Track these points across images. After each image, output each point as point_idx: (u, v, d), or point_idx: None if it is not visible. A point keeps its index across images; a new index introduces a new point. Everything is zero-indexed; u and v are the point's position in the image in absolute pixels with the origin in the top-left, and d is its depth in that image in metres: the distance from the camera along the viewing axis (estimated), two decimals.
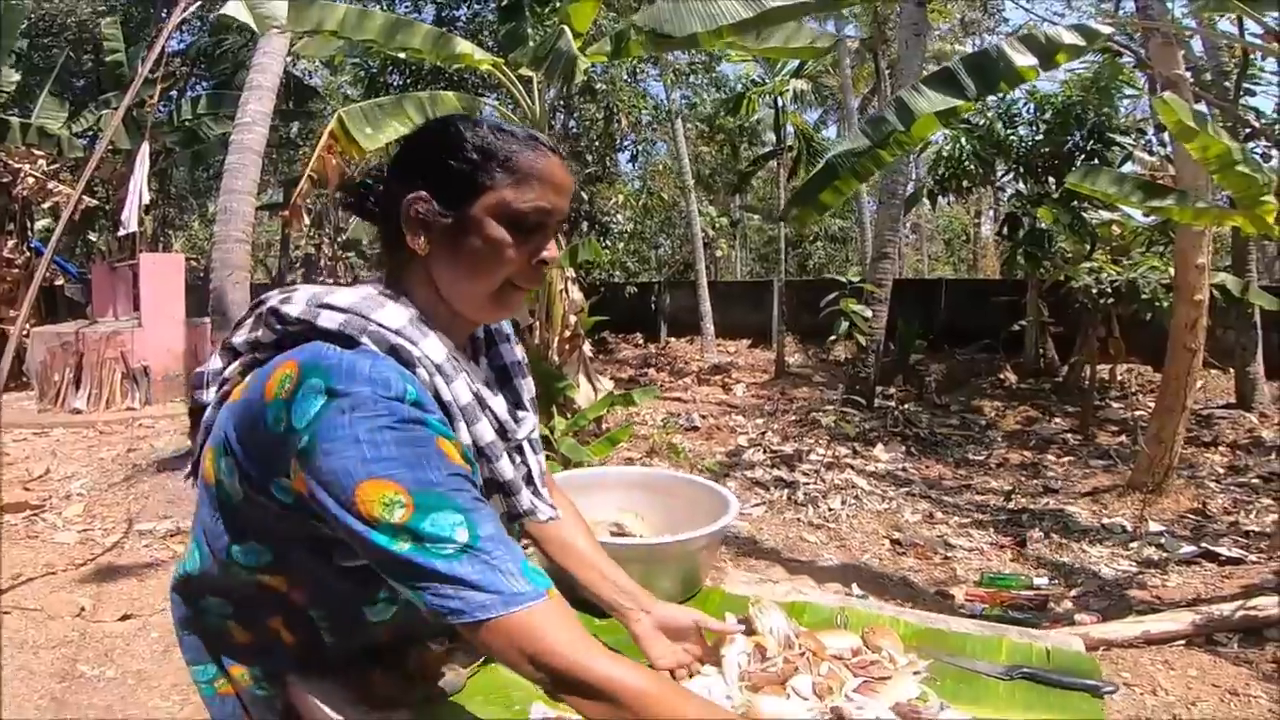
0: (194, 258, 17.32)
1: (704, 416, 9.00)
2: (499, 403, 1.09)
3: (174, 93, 12.95)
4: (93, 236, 15.27)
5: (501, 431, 1.07)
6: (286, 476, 0.93)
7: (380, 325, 0.96)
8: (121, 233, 10.11)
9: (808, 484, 6.47)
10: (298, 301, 1.00)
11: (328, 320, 0.97)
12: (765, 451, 7.48)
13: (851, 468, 7.01)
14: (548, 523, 1.19)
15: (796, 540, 5.33)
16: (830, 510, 5.90)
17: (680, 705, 0.89)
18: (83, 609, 3.98)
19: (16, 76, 11.83)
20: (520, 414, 1.16)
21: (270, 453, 0.94)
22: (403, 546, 0.86)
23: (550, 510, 1.18)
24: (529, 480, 1.17)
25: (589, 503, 1.61)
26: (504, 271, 1.00)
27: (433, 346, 0.99)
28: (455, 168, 0.98)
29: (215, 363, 1.08)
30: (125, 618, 3.89)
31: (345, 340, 0.95)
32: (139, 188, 9.77)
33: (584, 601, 1.33)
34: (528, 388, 1.22)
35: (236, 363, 1.05)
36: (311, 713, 1.15)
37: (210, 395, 1.07)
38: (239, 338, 1.06)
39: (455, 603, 0.86)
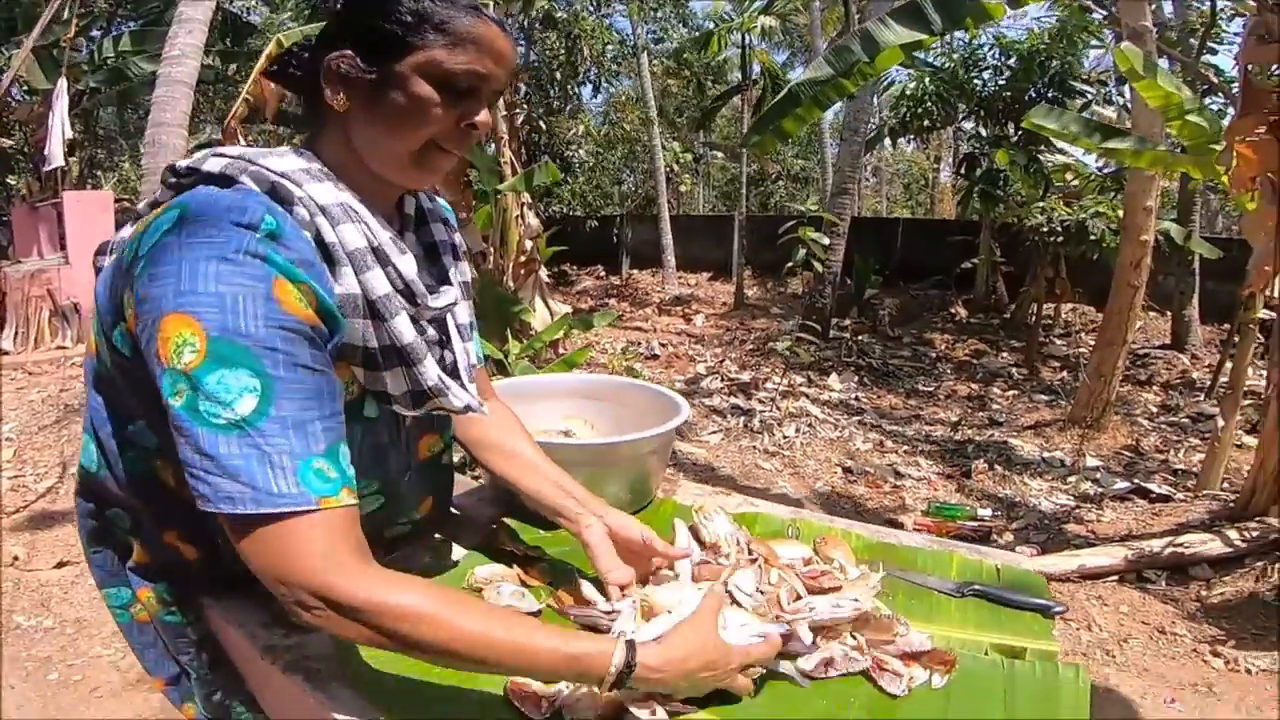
0: (126, 198, 16.68)
1: (664, 345, 8.96)
2: (408, 263, 0.97)
3: (97, 32, 12.19)
4: (11, 180, 14.56)
5: (408, 294, 0.96)
6: (124, 319, 0.84)
7: (265, 167, 0.89)
8: (46, 168, 9.56)
9: (763, 411, 6.47)
10: (195, 157, 0.93)
11: (213, 164, 0.89)
12: (723, 379, 7.47)
13: (806, 396, 7.02)
14: (466, 414, 1.06)
15: (752, 467, 5.33)
16: (785, 438, 5.90)
17: (459, 623, 0.80)
18: (16, 558, 3.76)
19: None
20: (444, 287, 1.06)
21: (117, 290, 0.86)
22: (177, 400, 0.76)
23: (470, 399, 1.05)
24: (454, 372, 1.07)
25: (534, 410, 1.52)
26: (427, 130, 0.92)
27: (321, 190, 0.90)
28: (385, 28, 0.90)
29: (125, 231, 0.96)
30: (61, 565, 3.68)
31: (227, 181, 0.88)
32: (60, 122, 9.23)
33: (529, 513, 1.26)
34: (460, 270, 1.12)
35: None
36: (230, 640, 1.07)
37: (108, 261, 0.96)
38: (141, 204, 0.96)
39: (203, 486, 0.76)
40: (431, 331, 1.03)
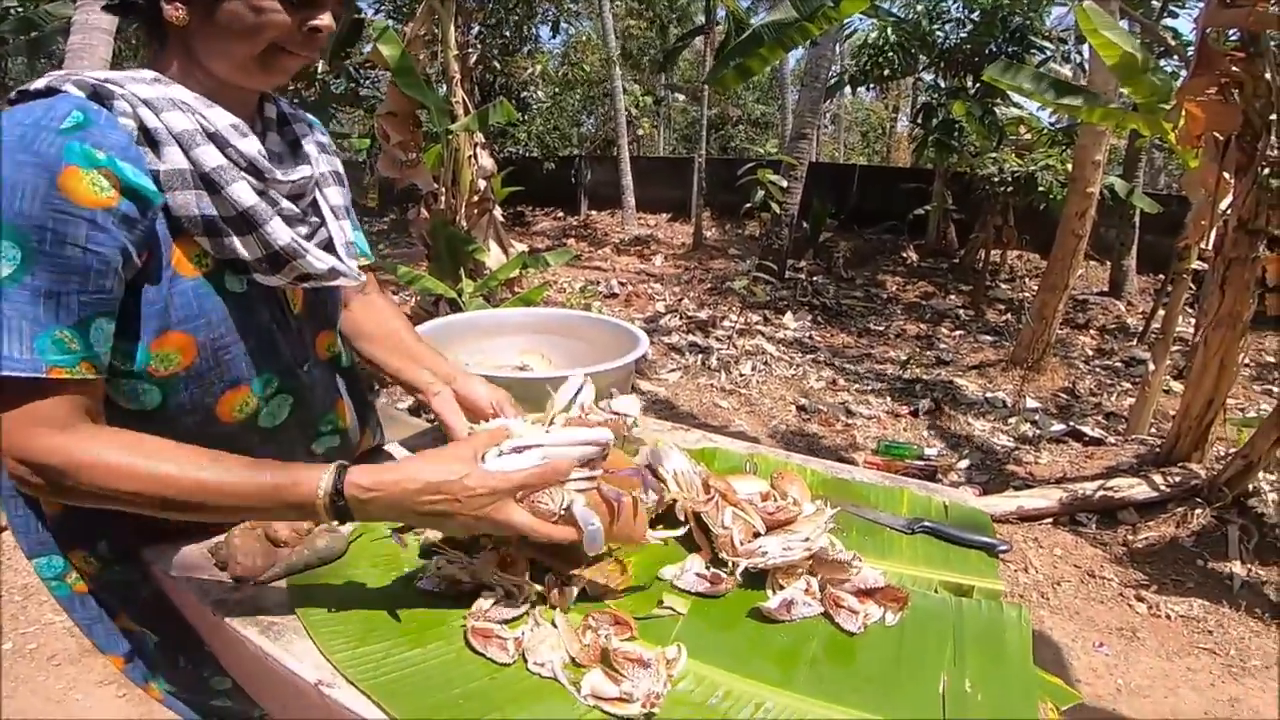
0: None
1: (623, 284, 8.90)
2: (249, 144, 0.96)
3: None
4: None
5: (253, 170, 0.95)
6: None
7: (89, 76, 0.90)
8: None
9: (721, 350, 6.48)
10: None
11: (39, 83, 0.90)
12: (682, 318, 7.45)
13: (762, 334, 7.04)
14: (334, 279, 1.04)
15: (710, 406, 5.34)
16: (742, 376, 5.92)
17: (208, 482, 0.83)
18: None
19: None
20: (297, 166, 1.05)
21: None
22: None
23: (336, 263, 1.04)
24: (329, 248, 1.06)
25: (490, 346, 1.47)
26: (267, 35, 0.91)
27: (145, 89, 0.90)
28: None
29: None
30: (1, 529, 3.46)
31: (51, 92, 0.88)
32: None
33: None
34: (327, 159, 1.12)
35: None
36: (180, 598, 1.01)
37: None
38: None
39: None
40: (286, 204, 1.00)
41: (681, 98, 24.87)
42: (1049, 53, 10.05)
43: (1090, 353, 7.12)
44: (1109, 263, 9.46)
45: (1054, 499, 3.85)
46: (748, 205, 8.64)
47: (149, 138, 0.89)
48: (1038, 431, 5.03)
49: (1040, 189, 7.95)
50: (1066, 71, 10.50)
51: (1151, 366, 4.68)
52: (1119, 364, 6.71)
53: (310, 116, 1.16)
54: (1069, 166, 6.98)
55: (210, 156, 0.92)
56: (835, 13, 4.27)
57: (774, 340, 6.93)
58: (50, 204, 0.79)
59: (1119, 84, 4.70)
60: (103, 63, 6.15)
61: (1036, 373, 6.06)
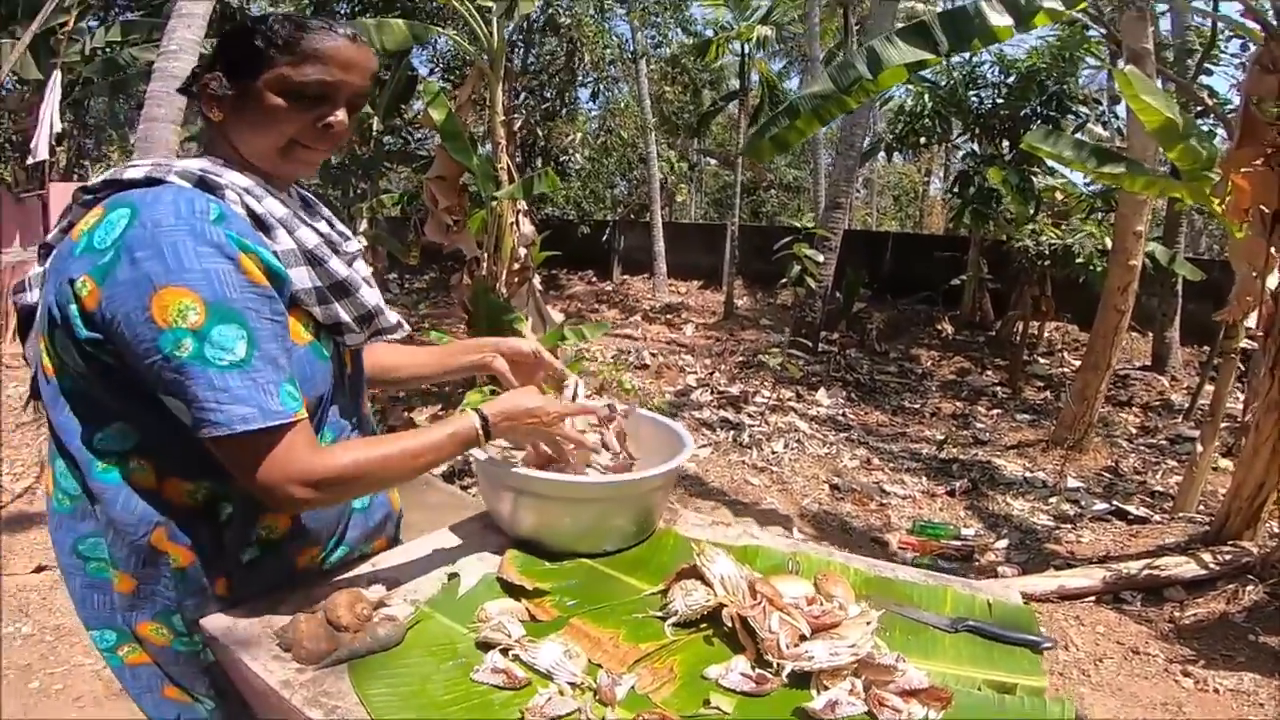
0: None
1: (654, 354, 8.98)
2: (320, 224, 1.19)
3: (93, 22, 12.06)
4: None
5: (330, 243, 1.16)
6: (76, 303, 0.96)
7: (185, 166, 1.05)
8: (30, 161, 9.50)
9: (753, 425, 6.51)
10: (108, 174, 1.07)
11: (133, 172, 1.05)
12: (712, 392, 7.50)
13: (795, 411, 7.06)
14: (396, 331, 1.28)
15: (741, 483, 5.36)
16: (774, 453, 5.94)
17: (410, 449, 1.12)
18: None
19: None
20: (347, 240, 1.24)
21: (67, 277, 0.97)
22: (183, 352, 0.93)
23: (398, 316, 1.28)
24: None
25: None
26: (285, 131, 1.08)
27: (236, 176, 1.07)
28: (242, 52, 1.07)
29: (36, 266, 1.10)
30: (40, 569, 3.59)
31: (154, 182, 1.03)
32: (50, 116, 9.12)
33: (535, 546, 1.33)
34: (346, 231, 1.30)
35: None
36: (239, 671, 1.08)
37: (35, 295, 1.09)
38: (53, 234, 1.10)
39: (219, 415, 0.94)
40: (353, 270, 1.19)
41: (714, 162, 25.32)
42: (1085, 116, 10.10)
43: (1134, 430, 7.06)
44: (1150, 334, 9.39)
45: (1097, 578, 3.82)
46: (783, 280, 8.75)
47: (259, 222, 1.06)
48: (1079, 510, 4.99)
49: (1079, 260, 7.96)
50: (1103, 132, 10.55)
51: (1199, 447, 4.65)
52: (1164, 442, 6.66)
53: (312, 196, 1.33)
54: (1108, 238, 7.00)
55: (309, 236, 1.11)
56: (873, 85, 4.37)
57: (807, 417, 6.95)
58: (245, 287, 0.97)
59: (1159, 149, 4.73)
60: (177, 112, 6.49)
61: (1078, 452, 6.03)
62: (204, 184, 1.03)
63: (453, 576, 1.28)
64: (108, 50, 11.26)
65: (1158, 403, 7.95)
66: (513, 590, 1.24)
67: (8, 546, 3.83)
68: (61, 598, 3.31)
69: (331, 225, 1.26)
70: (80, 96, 12.66)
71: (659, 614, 1.18)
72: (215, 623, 1.10)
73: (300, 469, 1.00)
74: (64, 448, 1.07)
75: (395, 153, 12.19)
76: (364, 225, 10.31)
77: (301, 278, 1.09)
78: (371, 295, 1.18)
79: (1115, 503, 5.07)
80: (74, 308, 0.97)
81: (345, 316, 1.14)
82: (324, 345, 1.15)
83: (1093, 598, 3.76)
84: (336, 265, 1.13)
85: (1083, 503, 5.13)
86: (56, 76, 9.29)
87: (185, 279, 0.93)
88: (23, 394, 6.16)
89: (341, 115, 1.11)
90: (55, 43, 9.88)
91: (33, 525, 4.09)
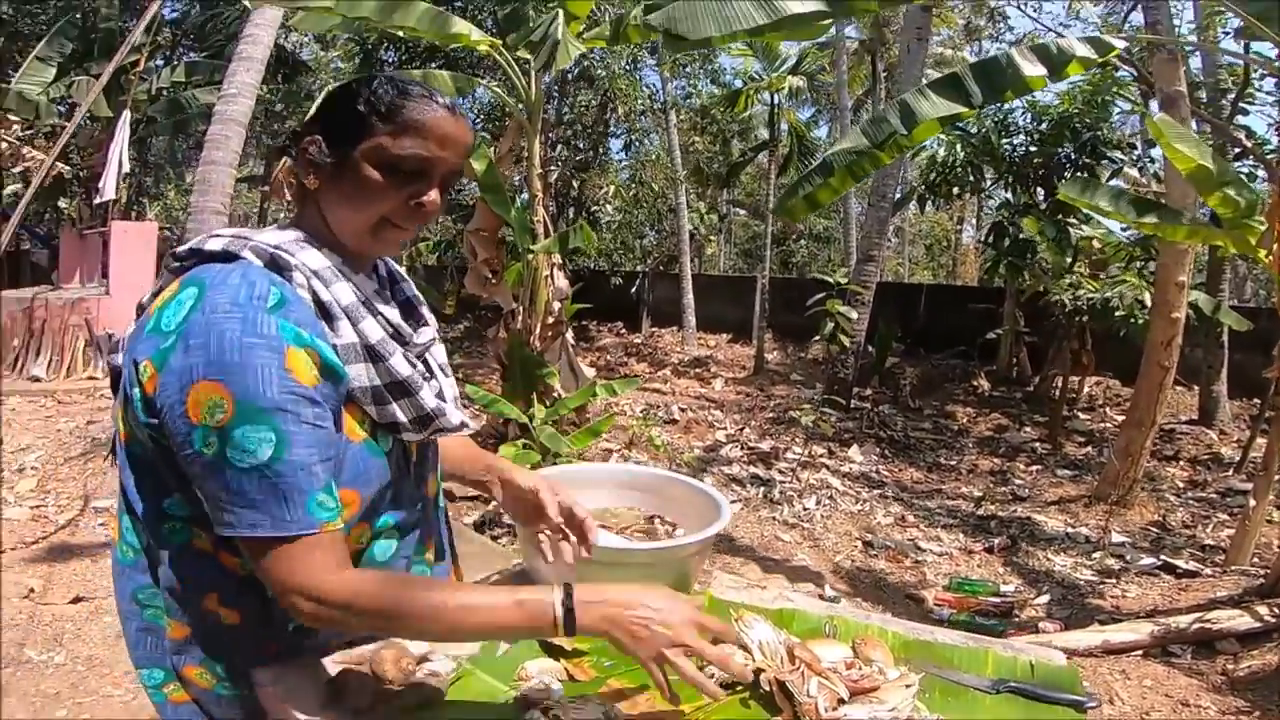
0: (167, 227, 16.97)
1: (683, 409, 8.99)
2: (392, 312, 1.16)
3: (159, 62, 12.61)
4: (63, 203, 14.92)
5: (397, 336, 1.14)
6: (139, 386, 0.98)
7: (262, 241, 1.05)
8: (98, 200, 9.88)
9: (783, 482, 6.49)
10: (194, 241, 1.08)
11: (214, 244, 1.05)
12: (742, 448, 7.49)
13: (826, 467, 7.04)
14: (460, 431, 1.21)
15: (771, 539, 5.34)
16: (805, 510, 5.92)
17: (453, 605, 1.00)
18: (32, 590, 3.81)
19: None
20: (421, 328, 1.23)
21: (133, 357, 1.00)
22: (208, 451, 0.93)
23: (463, 416, 1.21)
24: (440, 396, 1.20)
25: (582, 499, 1.59)
26: (378, 209, 1.07)
27: (311, 256, 1.06)
28: (344, 117, 1.07)
29: (131, 328, 1.10)
30: (77, 600, 3.72)
31: (228, 256, 1.04)
32: (119, 156, 9.51)
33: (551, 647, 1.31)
34: (429, 316, 1.29)
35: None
36: (282, 716, 1.11)
37: (120, 358, 1.09)
38: (146, 296, 1.10)
39: (230, 516, 0.94)
40: (420, 366, 1.17)
41: (743, 212, 25.54)
42: (1121, 162, 10.03)
43: (1182, 485, 6.95)
44: (1196, 388, 9.24)
45: (1144, 632, 3.75)
46: (816, 338, 8.77)
47: (323, 311, 1.04)
48: (1125, 565, 4.92)
49: (1119, 314, 7.86)
50: (1139, 176, 10.46)
51: (1253, 500, 4.57)
52: (1214, 495, 6.55)
53: (399, 269, 1.32)
54: (1149, 292, 6.93)
55: (373, 330, 1.08)
56: (907, 140, 4.42)
57: (839, 474, 6.92)
58: (286, 387, 0.94)
59: (1198, 196, 4.71)
60: (234, 155, 6.73)
61: (1123, 507, 5.94)
62: (275, 263, 1.03)
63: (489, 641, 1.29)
64: (172, 90, 11.75)
65: (1206, 457, 7.81)
66: (552, 650, 1.26)
67: (48, 576, 3.98)
68: (95, 630, 3.45)
69: (412, 307, 1.25)
70: (144, 135, 13.15)
71: None
72: (263, 672, 1.13)
73: (307, 583, 0.97)
74: (131, 506, 1.10)
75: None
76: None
77: (359, 375, 1.06)
78: (431, 397, 1.13)
79: (1163, 557, 4.99)
80: (137, 391, 0.99)
81: (402, 417, 1.11)
82: (381, 442, 1.12)
83: (1139, 652, 3.70)
84: (398, 363, 1.09)
85: (1128, 557, 5.05)
86: (126, 116, 9.71)
87: (221, 373, 0.92)
88: (74, 428, 6.58)
89: (435, 195, 1.09)
90: (126, 82, 10.33)
91: (73, 557, 4.23)
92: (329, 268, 1.07)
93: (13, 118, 10.77)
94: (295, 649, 1.15)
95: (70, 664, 3.18)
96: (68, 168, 11.91)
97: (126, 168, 10.09)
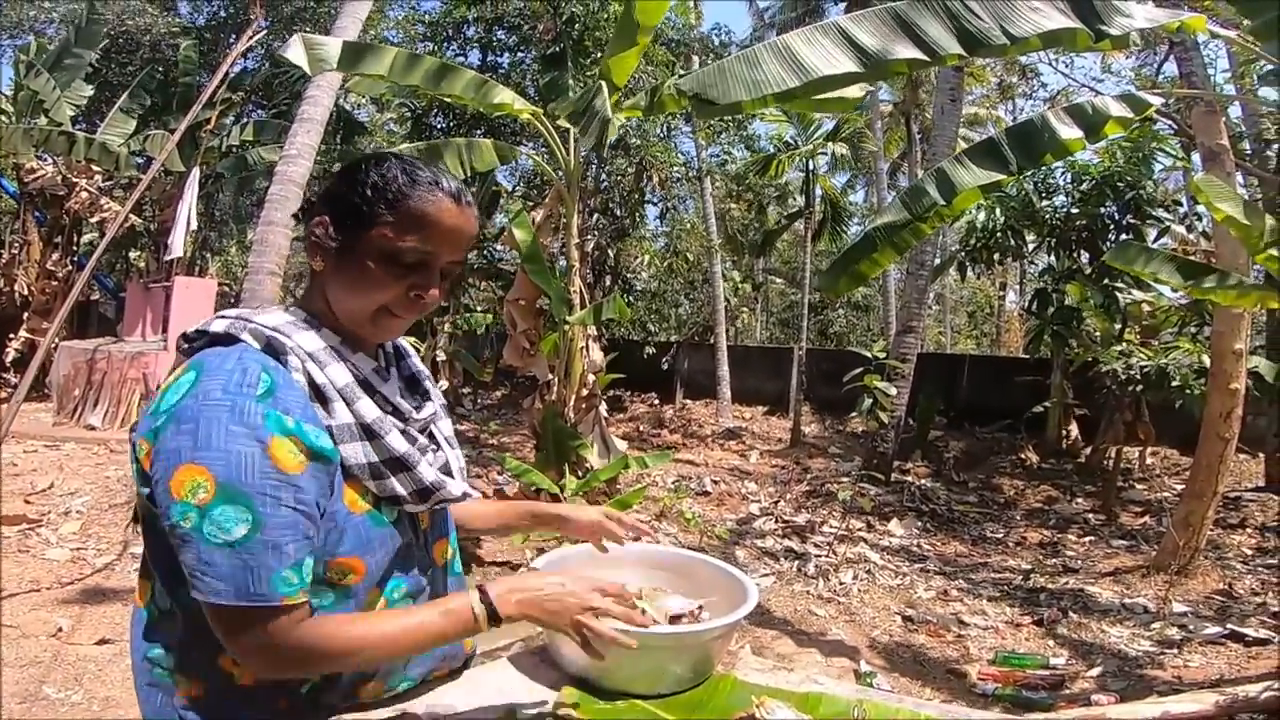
0: (227, 283, 17.50)
1: (716, 481, 8.92)
2: (391, 389, 1.22)
3: (230, 119, 13.19)
4: (134, 255, 15.48)
5: (396, 412, 1.20)
6: (137, 460, 1.06)
7: (260, 323, 1.11)
8: (167, 257, 10.28)
9: (819, 556, 6.40)
10: (202, 322, 1.16)
11: (217, 325, 1.13)
12: (777, 521, 7.40)
13: (865, 541, 6.92)
14: (462, 501, 1.27)
15: (805, 613, 5.24)
16: (841, 584, 5.82)
17: (352, 631, 1.08)
18: (60, 629, 3.95)
19: (89, 90, 12.03)
20: (425, 403, 1.30)
21: (136, 438, 1.07)
22: (186, 524, 1.00)
23: (466, 487, 1.28)
24: (447, 471, 1.27)
25: (610, 576, 1.58)
26: (378, 299, 1.14)
27: (307, 339, 1.13)
28: (352, 201, 1.13)
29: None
30: (102, 642, 3.85)
31: (229, 339, 1.11)
32: (188, 213, 9.90)
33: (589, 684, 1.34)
34: (435, 390, 1.37)
35: None
36: None
37: None
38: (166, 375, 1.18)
39: (201, 584, 1.01)
40: (423, 440, 1.23)
41: (780, 280, 25.65)
42: (1167, 221, 9.82)
43: (1249, 551, 6.73)
44: (1261, 455, 8.95)
45: (1209, 702, 3.55)
46: (854, 414, 8.69)
47: (318, 393, 1.10)
48: (1187, 634, 4.77)
49: (1175, 384, 7.63)
50: (1188, 235, 10.24)
51: None
52: None
53: (404, 343, 1.38)
54: (1205, 357, 6.76)
55: (368, 409, 1.14)
56: (948, 211, 4.45)
57: (878, 548, 6.82)
58: (265, 474, 1.01)
59: (1250, 257, 4.63)
60: (291, 216, 6.94)
61: (1184, 576, 5.75)
62: (271, 346, 1.10)
63: (510, 713, 1.29)
64: (240, 148, 12.25)
65: (1275, 523, 7.55)
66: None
67: (79, 617, 4.13)
68: (116, 672, 3.57)
69: (415, 382, 1.33)
70: (211, 190, 13.67)
71: None
72: None
73: (261, 645, 1.04)
74: (150, 569, 1.17)
75: (480, 269, 12.74)
76: (444, 340, 10.74)
77: (355, 453, 1.12)
78: (431, 471, 1.20)
79: (1230, 625, 4.83)
80: (135, 466, 1.08)
81: (401, 490, 1.17)
82: (385, 513, 1.18)
83: None
84: (394, 440, 1.15)
85: (1191, 627, 4.90)
86: (195, 174, 10.12)
87: (206, 458, 0.99)
88: (121, 476, 6.90)
89: (435, 291, 1.15)
90: (199, 137, 10.80)
91: (105, 600, 4.39)
92: (325, 349, 1.13)
93: (95, 168, 11.31)
94: (307, 710, 1.18)
95: (87, 703, 3.28)
96: (140, 220, 12.42)
97: (194, 225, 10.47)
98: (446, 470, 1.27)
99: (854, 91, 5.76)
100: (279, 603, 1.03)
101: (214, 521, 0.99)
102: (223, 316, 1.13)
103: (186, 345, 1.15)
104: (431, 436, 1.29)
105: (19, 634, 3.85)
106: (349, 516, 1.12)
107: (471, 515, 1.56)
